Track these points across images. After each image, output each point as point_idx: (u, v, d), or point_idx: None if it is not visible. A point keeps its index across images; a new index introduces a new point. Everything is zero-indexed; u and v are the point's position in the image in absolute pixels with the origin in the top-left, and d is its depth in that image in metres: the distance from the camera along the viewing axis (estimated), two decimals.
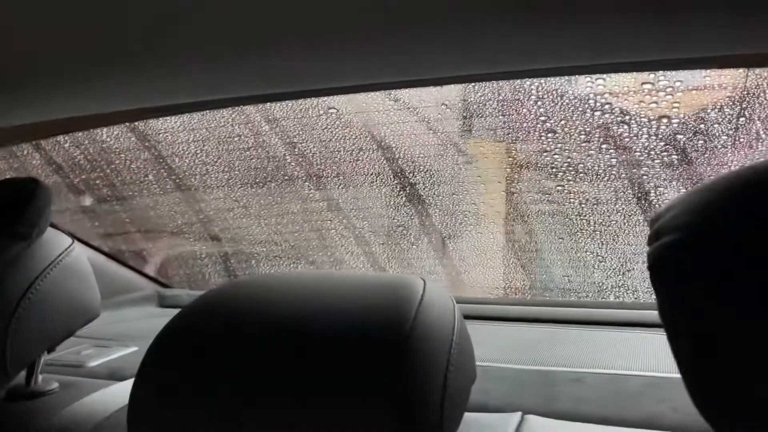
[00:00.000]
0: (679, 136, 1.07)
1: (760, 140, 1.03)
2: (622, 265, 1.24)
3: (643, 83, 1.00)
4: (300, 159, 1.35)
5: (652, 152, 1.10)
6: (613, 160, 1.13)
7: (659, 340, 0.93)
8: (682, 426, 0.65)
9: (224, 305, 0.54)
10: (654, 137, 1.08)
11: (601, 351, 0.92)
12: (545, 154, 1.17)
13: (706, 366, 0.34)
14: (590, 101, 1.06)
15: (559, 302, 1.20)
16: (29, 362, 0.79)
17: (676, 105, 1.03)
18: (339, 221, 1.43)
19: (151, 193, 1.49)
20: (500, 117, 1.16)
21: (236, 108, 1.25)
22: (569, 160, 1.16)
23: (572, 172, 1.17)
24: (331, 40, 0.55)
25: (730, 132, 1.04)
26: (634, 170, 1.13)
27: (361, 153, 1.29)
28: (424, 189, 1.32)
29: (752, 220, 0.33)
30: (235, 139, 1.34)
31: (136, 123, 1.32)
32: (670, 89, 1.01)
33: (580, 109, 1.07)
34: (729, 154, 1.07)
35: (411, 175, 1.30)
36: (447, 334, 0.50)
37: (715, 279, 0.33)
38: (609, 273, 1.25)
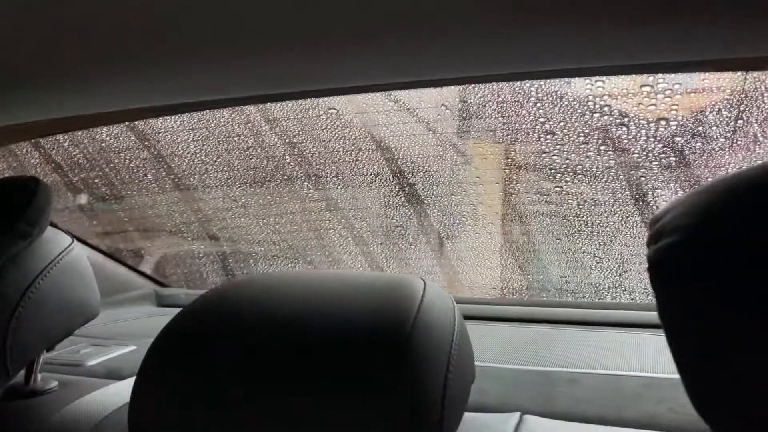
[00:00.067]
0: (677, 138, 1.08)
1: (758, 142, 1.04)
2: (619, 266, 1.24)
3: (642, 86, 1.01)
4: (299, 159, 1.35)
5: (650, 154, 1.11)
6: (611, 161, 1.13)
7: (656, 340, 0.94)
8: (679, 426, 0.66)
9: (225, 305, 0.54)
10: (652, 139, 1.09)
11: (598, 351, 0.92)
12: (544, 155, 1.17)
13: (706, 367, 0.35)
14: (589, 103, 1.07)
15: (557, 303, 1.21)
16: (29, 361, 0.79)
17: (674, 107, 1.03)
18: (338, 221, 1.43)
19: (150, 192, 1.49)
20: (499, 118, 1.16)
21: (236, 108, 1.25)
22: (568, 161, 1.16)
23: (570, 174, 1.18)
24: (332, 41, 0.55)
25: (728, 134, 1.04)
26: (632, 172, 1.14)
27: (361, 153, 1.29)
28: (422, 189, 1.32)
29: (753, 221, 0.34)
30: (235, 138, 1.34)
31: (136, 122, 1.32)
32: (669, 92, 1.01)
33: (579, 110, 1.08)
34: (726, 156, 1.07)
35: (410, 175, 1.30)
36: (447, 335, 0.50)
37: (716, 280, 0.34)
38: (606, 274, 1.26)
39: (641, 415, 0.69)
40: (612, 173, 1.15)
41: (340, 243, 1.46)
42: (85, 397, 0.76)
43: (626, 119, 1.06)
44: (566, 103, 1.08)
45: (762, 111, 1.00)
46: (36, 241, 0.73)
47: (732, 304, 0.33)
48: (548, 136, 1.14)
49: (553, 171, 1.19)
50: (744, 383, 0.33)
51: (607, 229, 1.22)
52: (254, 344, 0.49)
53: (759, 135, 1.03)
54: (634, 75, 0.98)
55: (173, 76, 0.67)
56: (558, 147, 1.15)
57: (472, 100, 1.17)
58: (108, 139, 1.39)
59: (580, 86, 1.05)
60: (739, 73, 0.96)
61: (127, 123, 1.31)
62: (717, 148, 1.07)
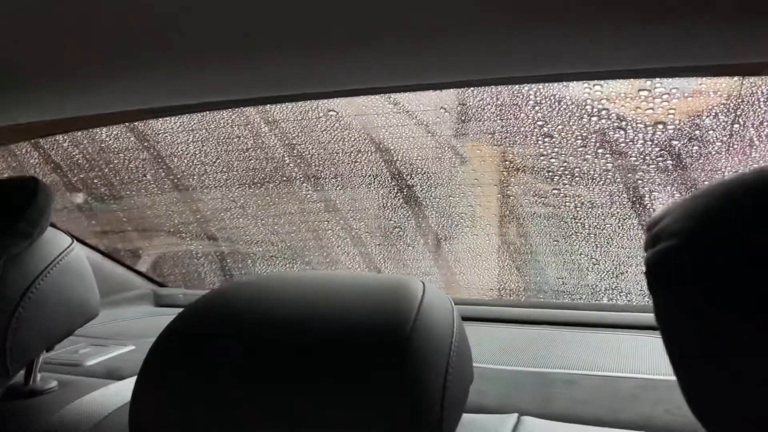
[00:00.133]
0: (674, 142, 1.08)
1: (754, 147, 1.04)
2: (615, 267, 1.25)
3: (639, 90, 1.01)
4: (298, 160, 1.35)
5: (648, 157, 1.11)
6: (608, 164, 1.14)
7: (652, 342, 0.94)
8: (675, 428, 0.66)
9: (226, 305, 0.54)
10: (649, 143, 1.09)
11: (595, 353, 0.92)
12: (542, 158, 1.18)
13: (704, 369, 0.35)
14: (587, 107, 1.07)
15: (554, 304, 1.21)
16: (29, 361, 0.79)
17: (671, 111, 1.04)
18: (336, 222, 1.43)
19: (149, 192, 1.49)
20: (498, 121, 1.17)
21: (236, 109, 1.25)
22: (565, 164, 1.17)
23: (568, 176, 1.18)
24: (332, 43, 0.55)
25: (725, 138, 1.05)
26: (630, 175, 1.14)
27: (360, 155, 1.29)
28: (421, 191, 1.33)
29: (750, 224, 0.34)
30: (234, 140, 1.34)
31: (136, 123, 1.32)
32: (667, 96, 1.02)
33: (578, 114, 1.08)
34: (723, 160, 1.08)
35: (408, 177, 1.31)
36: (446, 336, 0.50)
37: (715, 283, 0.34)
38: (603, 275, 1.26)
39: (637, 416, 0.69)
40: (609, 176, 1.16)
41: (339, 244, 1.46)
42: (84, 397, 0.76)
43: (624, 123, 1.07)
44: (564, 106, 1.08)
45: (758, 116, 1.01)
46: (36, 242, 0.73)
47: (731, 306, 0.33)
48: (546, 139, 1.15)
49: (550, 173, 1.19)
50: (742, 384, 0.33)
51: (604, 231, 1.22)
52: (255, 345, 0.49)
53: (755, 139, 1.03)
54: (632, 79, 0.98)
55: (173, 77, 0.67)
56: (556, 150, 1.16)
57: (471, 103, 1.17)
58: (107, 139, 1.39)
59: (578, 90, 1.06)
60: (735, 78, 0.97)
61: (126, 123, 1.31)
62: (714, 152, 1.08)
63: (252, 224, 1.52)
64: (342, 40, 0.54)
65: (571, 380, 0.80)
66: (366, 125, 1.26)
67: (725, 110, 1.02)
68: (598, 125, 1.09)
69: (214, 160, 1.39)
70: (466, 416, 0.54)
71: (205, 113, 1.26)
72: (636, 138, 1.09)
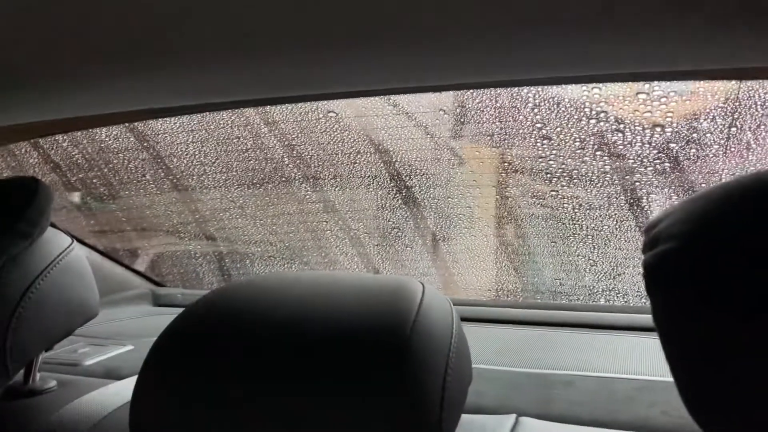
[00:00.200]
0: (672, 145, 1.09)
1: (751, 150, 1.05)
2: (613, 269, 1.25)
3: (638, 93, 1.02)
4: (298, 161, 1.35)
5: (645, 160, 1.12)
6: (606, 166, 1.15)
7: (650, 343, 0.95)
8: (672, 429, 0.66)
9: (226, 306, 0.54)
10: (647, 145, 1.10)
11: (593, 354, 0.93)
12: (540, 159, 1.18)
13: (702, 371, 0.35)
14: (586, 109, 1.08)
15: (552, 305, 1.21)
16: (28, 361, 0.79)
17: (669, 114, 1.04)
18: (335, 222, 1.44)
19: (148, 192, 1.49)
20: (497, 123, 1.17)
21: (235, 110, 1.25)
22: (564, 166, 1.17)
23: (566, 178, 1.19)
24: (332, 45, 0.55)
25: (722, 141, 1.06)
26: (627, 177, 1.15)
27: (359, 156, 1.30)
28: (420, 192, 1.33)
29: (748, 227, 0.35)
30: (234, 140, 1.34)
31: (136, 123, 1.32)
32: (665, 99, 1.02)
33: (576, 116, 1.09)
34: (720, 163, 1.08)
35: (407, 178, 1.31)
36: (446, 337, 0.51)
37: (712, 286, 0.34)
38: (600, 277, 1.27)
39: (634, 417, 0.70)
40: (607, 178, 1.16)
41: (337, 244, 1.46)
42: (83, 396, 0.76)
43: (622, 125, 1.08)
44: (563, 108, 1.09)
45: (755, 119, 1.02)
46: (36, 242, 0.73)
47: (729, 308, 0.34)
48: (545, 141, 1.15)
49: (549, 175, 1.20)
50: (740, 386, 0.34)
51: (602, 232, 1.23)
52: (255, 345, 0.49)
53: (752, 142, 1.04)
54: (630, 82, 0.99)
55: (173, 78, 0.67)
56: (554, 152, 1.16)
57: (470, 105, 1.18)
58: (107, 139, 1.39)
59: (576, 92, 1.06)
60: (733, 82, 0.98)
61: (126, 124, 1.31)
62: (711, 155, 1.08)
63: (251, 224, 1.52)
64: (342, 41, 0.54)
65: (568, 381, 0.80)
66: (365, 126, 1.26)
67: (723, 113, 1.03)
68: (596, 127, 1.10)
69: (213, 160, 1.39)
70: (464, 417, 0.54)
71: (204, 114, 1.26)
72: (634, 140, 1.10)
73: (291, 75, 0.65)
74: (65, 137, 1.36)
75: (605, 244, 1.24)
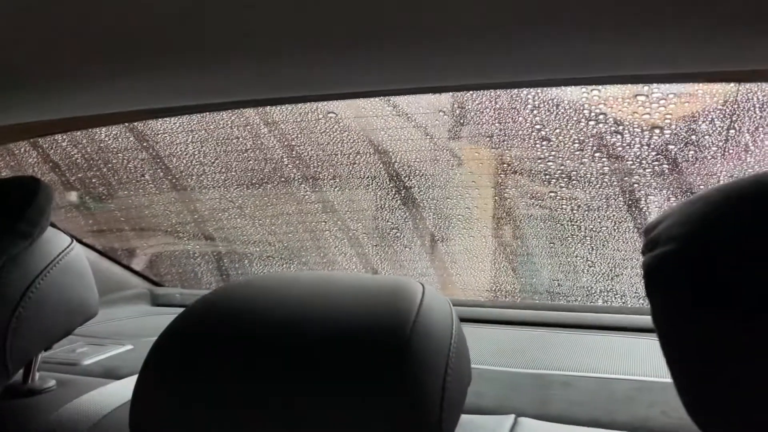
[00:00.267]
0: (670, 146, 1.09)
1: (750, 152, 1.05)
2: (611, 270, 1.26)
3: (636, 95, 1.02)
4: (297, 161, 1.36)
5: (644, 161, 1.12)
6: (605, 168, 1.15)
7: (647, 344, 0.95)
8: (671, 429, 0.67)
9: (226, 306, 0.54)
10: (646, 147, 1.10)
11: (591, 355, 0.93)
12: (539, 161, 1.19)
13: (700, 373, 0.36)
14: (585, 111, 1.08)
15: (550, 306, 1.22)
16: (28, 360, 0.79)
17: (668, 116, 1.05)
18: (333, 223, 1.44)
19: (147, 192, 1.49)
20: (496, 124, 1.18)
21: (235, 110, 1.25)
22: (563, 167, 1.17)
23: (565, 179, 1.19)
24: (332, 46, 0.55)
25: (721, 143, 1.06)
26: (626, 178, 1.15)
27: (358, 156, 1.30)
28: (419, 193, 1.33)
29: (748, 230, 0.35)
30: (234, 140, 1.35)
31: (135, 123, 1.32)
32: (663, 101, 1.03)
33: (575, 118, 1.09)
34: (719, 165, 1.09)
35: (406, 178, 1.31)
36: (446, 337, 0.51)
37: (711, 287, 0.35)
38: (598, 277, 1.27)
39: (633, 418, 0.70)
40: (606, 179, 1.16)
41: (336, 244, 1.47)
42: (83, 396, 0.76)
43: (621, 127, 1.08)
44: (562, 110, 1.09)
45: (754, 121, 1.02)
46: (36, 241, 0.73)
47: (728, 309, 0.34)
48: (544, 143, 1.15)
49: (548, 176, 1.20)
50: (740, 388, 0.34)
51: (600, 233, 1.23)
52: (255, 345, 0.49)
53: (750, 144, 1.04)
54: (629, 84, 0.99)
55: (173, 78, 0.67)
56: (553, 153, 1.16)
57: (469, 107, 1.18)
58: (106, 139, 1.39)
59: (576, 94, 1.07)
60: (732, 85, 0.98)
61: (126, 124, 1.31)
62: (709, 157, 1.09)
63: (250, 224, 1.52)
64: (342, 42, 0.54)
65: (567, 382, 0.80)
66: (365, 127, 1.27)
67: (721, 116, 1.03)
68: (595, 129, 1.10)
69: (212, 160, 1.39)
70: (464, 417, 0.54)
71: (204, 114, 1.26)
72: (633, 142, 1.10)
73: (291, 75, 0.65)
74: (64, 136, 1.36)
75: (603, 246, 1.24)
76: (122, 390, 0.78)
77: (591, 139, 1.12)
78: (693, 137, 1.07)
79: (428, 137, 1.28)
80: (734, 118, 1.02)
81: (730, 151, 1.06)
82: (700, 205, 0.38)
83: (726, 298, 0.34)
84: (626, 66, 0.59)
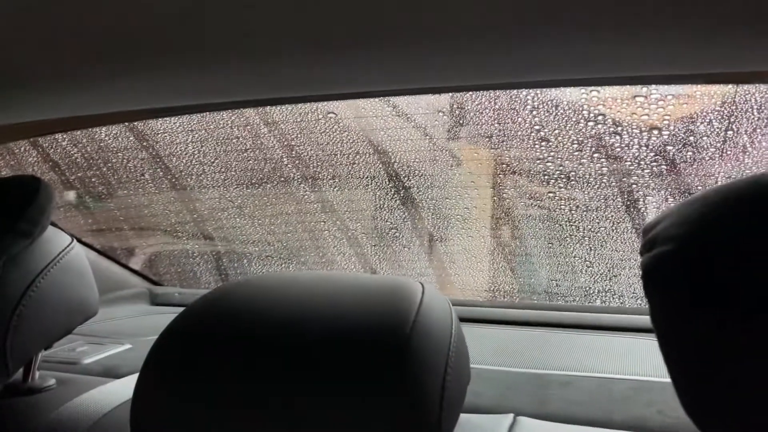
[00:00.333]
0: (668, 147, 1.09)
1: (747, 153, 1.06)
2: (609, 270, 1.26)
3: (635, 96, 1.03)
4: (297, 161, 1.36)
5: (642, 162, 1.12)
6: (604, 169, 1.15)
7: (646, 344, 0.95)
8: (668, 429, 0.67)
9: (226, 305, 0.54)
10: (644, 148, 1.10)
11: (589, 354, 0.93)
12: (538, 161, 1.19)
13: (699, 373, 0.36)
14: (584, 112, 1.08)
15: (549, 306, 1.22)
16: (28, 359, 0.79)
17: (666, 117, 1.05)
18: (332, 222, 1.44)
19: (147, 191, 1.49)
20: (496, 125, 1.18)
21: (235, 110, 1.25)
22: (561, 167, 1.18)
23: (564, 180, 1.19)
24: (333, 46, 0.55)
25: (719, 144, 1.06)
26: (624, 179, 1.16)
27: (358, 156, 1.30)
28: (418, 193, 1.33)
29: (745, 231, 0.35)
30: (233, 140, 1.35)
31: (135, 122, 1.32)
32: (662, 102, 1.03)
33: (574, 119, 1.10)
34: (717, 166, 1.09)
35: (406, 179, 1.31)
36: (445, 337, 0.51)
37: (709, 288, 0.35)
38: (596, 278, 1.27)
39: (631, 417, 0.70)
40: (604, 180, 1.17)
41: (335, 244, 1.47)
42: (83, 395, 0.76)
43: (619, 128, 1.08)
44: (561, 111, 1.09)
45: (751, 123, 1.02)
46: (37, 240, 0.73)
47: (726, 309, 0.34)
48: (543, 143, 1.16)
49: (546, 177, 1.20)
50: (738, 387, 0.34)
51: (598, 234, 1.23)
52: (255, 344, 0.49)
53: (748, 146, 1.05)
54: (628, 86, 0.99)
55: (173, 78, 0.67)
56: (552, 153, 1.17)
57: (468, 107, 1.18)
58: (106, 138, 1.39)
59: (575, 95, 1.07)
60: (730, 86, 0.98)
61: (126, 123, 1.31)
62: (708, 158, 1.09)
63: (249, 224, 1.52)
64: (342, 42, 0.54)
65: (565, 381, 0.81)
66: (364, 127, 1.27)
67: (719, 117, 1.04)
68: (594, 130, 1.11)
69: (212, 160, 1.39)
70: (463, 416, 0.55)
71: (204, 114, 1.26)
72: (631, 143, 1.10)
73: (291, 75, 0.65)
74: (64, 136, 1.36)
75: (602, 246, 1.24)
76: (122, 389, 0.78)
77: (590, 140, 1.12)
78: (691, 138, 1.07)
79: (427, 137, 1.28)
80: (732, 120, 1.02)
81: (728, 152, 1.07)
82: (698, 205, 0.39)
83: (724, 299, 0.34)
84: (625, 67, 0.59)
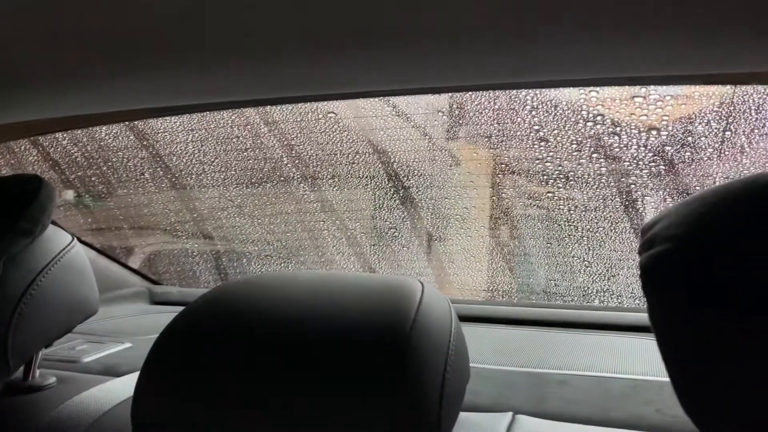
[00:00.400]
0: (667, 148, 1.10)
1: (745, 153, 1.06)
2: (607, 270, 1.26)
3: (634, 96, 1.03)
4: (296, 161, 1.36)
5: (641, 162, 1.13)
6: (602, 169, 1.16)
7: (643, 343, 0.96)
8: (666, 427, 0.67)
9: (228, 304, 0.55)
10: (643, 148, 1.11)
11: (587, 354, 0.93)
12: (537, 161, 1.19)
13: (697, 372, 0.36)
14: (583, 112, 1.09)
15: (547, 305, 1.22)
16: (29, 357, 0.79)
17: (665, 118, 1.05)
18: (332, 222, 1.44)
19: (146, 191, 1.49)
20: (495, 125, 1.18)
21: (236, 110, 1.26)
22: (560, 168, 1.18)
23: (563, 180, 1.20)
24: (333, 46, 0.55)
25: (717, 145, 1.07)
26: (623, 179, 1.16)
27: (357, 156, 1.30)
28: (417, 193, 1.34)
29: (743, 231, 0.35)
30: (234, 140, 1.35)
31: (135, 122, 1.32)
32: (660, 103, 1.04)
33: (573, 119, 1.10)
34: (715, 166, 1.10)
35: (405, 178, 1.32)
36: (445, 336, 0.51)
37: (707, 288, 0.35)
38: (594, 278, 1.28)
39: (628, 415, 0.70)
40: (603, 180, 1.17)
41: (334, 244, 1.47)
42: (83, 393, 0.76)
43: (618, 128, 1.09)
44: (560, 111, 1.10)
45: (749, 123, 1.03)
46: (38, 239, 0.73)
47: (724, 309, 0.34)
48: (542, 143, 1.16)
49: (545, 177, 1.21)
50: (736, 387, 0.34)
51: (597, 234, 1.24)
52: (255, 344, 0.49)
53: (746, 146, 1.05)
54: (627, 86, 1.00)
55: (173, 78, 0.67)
56: (551, 154, 1.17)
57: (468, 107, 1.19)
58: (107, 137, 1.39)
59: (574, 95, 1.07)
60: (728, 87, 0.99)
61: (126, 122, 1.31)
62: (706, 158, 1.09)
63: (248, 223, 1.52)
64: (342, 42, 0.54)
65: (564, 380, 0.81)
66: (364, 127, 1.27)
67: (717, 117, 1.04)
68: (593, 130, 1.11)
69: (212, 159, 1.39)
70: (462, 415, 0.55)
71: (205, 113, 1.27)
72: (630, 143, 1.11)
73: (291, 75, 0.66)
74: (64, 135, 1.36)
75: (600, 246, 1.25)
76: (122, 387, 0.78)
77: (589, 140, 1.13)
78: (689, 139, 1.08)
79: (427, 137, 1.29)
80: (730, 120, 1.03)
81: (726, 153, 1.07)
82: (696, 205, 0.39)
83: (722, 299, 0.34)
84: (625, 67, 0.59)
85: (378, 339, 0.48)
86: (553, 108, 1.10)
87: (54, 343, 0.83)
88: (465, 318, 1.11)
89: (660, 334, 0.39)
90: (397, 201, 1.35)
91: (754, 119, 1.02)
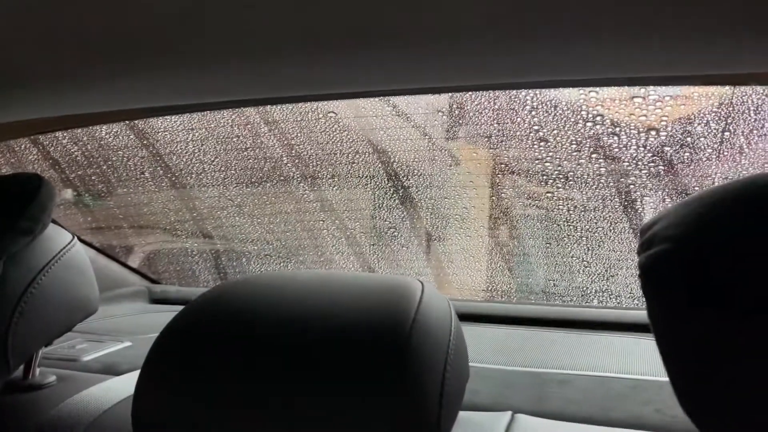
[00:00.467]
0: (666, 148, 1.10)
1: (744, 154, 1.06)
2: (606, 270, 1.26)
3: (633, 97, 1.03)
4: (296, 160, 1.36)
5: (640, 163, 1.13)
6: (602, 169, 1.16)
7: (643, 343, 0.96)
8: (665, 427, 0.67)
9: (228, 304, 0.55)
10: (642, 148, 1.11)
11: (587, 353, 0.93)
12: (537, 161, 1.19)
13: (696, 372, 0.36)
14: (582, 112, 1.09)
15: (546, 305, 1.22)
16: (29, 356, 0.79)
17: (664, 118, 1.06)
18: (331, 222, 1.44)
19: (146, 190, 1.49)
20: (495, 125, 1.18)
21: (236, 109, 1.26)
22: (560, 168, 1.18)
23: (562, 180, 1.20)
24: (333, 46, 0.55)
25: (716, 145, 1.07)
26: (622, 180, 1.16)
27: (357, 156, 1.30)
28: (416, 192, 1.34)
29: (742, 231, 0.35)
30: (234, 139, 1.35)
31: (136, 121, 1.32)
32: (660, 103, 1.04)
33: (573, 119, 1.10)
34: (714, 167, 1.10)
35: (404, 178, 1.32)
36: (445, 335, 0.51)
37: (706, 288, 0.35)
38: (593, 278, 1.28)
39: (628, 415, 0.71)
40: (602, 180, 1.17)
41: (333, 243, 1.47)
42: (83, 392, 0.76)
43: (618, 128, 1.09)
44: (560, 111, 1.10)
45: (748, 124, 1.03)
46: (38, 238, 0.73)
47: (723, 309, 0.34)
48: (541, 143, 1.16)
49: (545, 177, 1.21)
50: (736, 387, 0.34)
51: (596, 234, 1.24)
52: (255, 344, 0.49)
53: (745, 147, 1.05)
54: (626, 87, 1.00)
55: (173, 78, 0.67)
56: (551, 154, 1.17)
57: (468, 107, 1.19)
58: (107, 136, 1.39)
59: (573, 95, 1.08)
60: (727, 88, 0.99)
61: (126, 122, 1.31)
62: (705, 159, 1.10)
63: (248, 223, 1.52)
64: (342, 42, 0.54)
65: (564, 380, 0.81)
66: (364, 127, 1.27)
67: (716, 118, 1.04)
68: (592, 130, 1.11)
69: (212, 158, 1.39)
70: (461, 414, 0.55)
71: (205, 112, 1.27)
72: (629, 143, 1.11)
73: (291, 75, 0.66)
74: (64, 134, 1.36)
75: (599, 246, 1.25)
76: (122, 386, 0.78)
77: (588, 141, 1.13)
78: (688, 139, 1.08)
79: (426, 137, 1.29)
80: (729, 121, 1.03)
81: (725, 153, 1.07)
82: (695, 206, 0.39)
83: (720, 299, 0.34)
84: (624, 68, 0.59)
85: (378, 339, 0.48)
86: (552, 108, 1.10)
87: (54, 341, 0.83)
88: (464, 317, 1.11)
89: (659, 335, 0.39)
90: (397, 201, 1.35)
91: (753, 120, 1.02)
